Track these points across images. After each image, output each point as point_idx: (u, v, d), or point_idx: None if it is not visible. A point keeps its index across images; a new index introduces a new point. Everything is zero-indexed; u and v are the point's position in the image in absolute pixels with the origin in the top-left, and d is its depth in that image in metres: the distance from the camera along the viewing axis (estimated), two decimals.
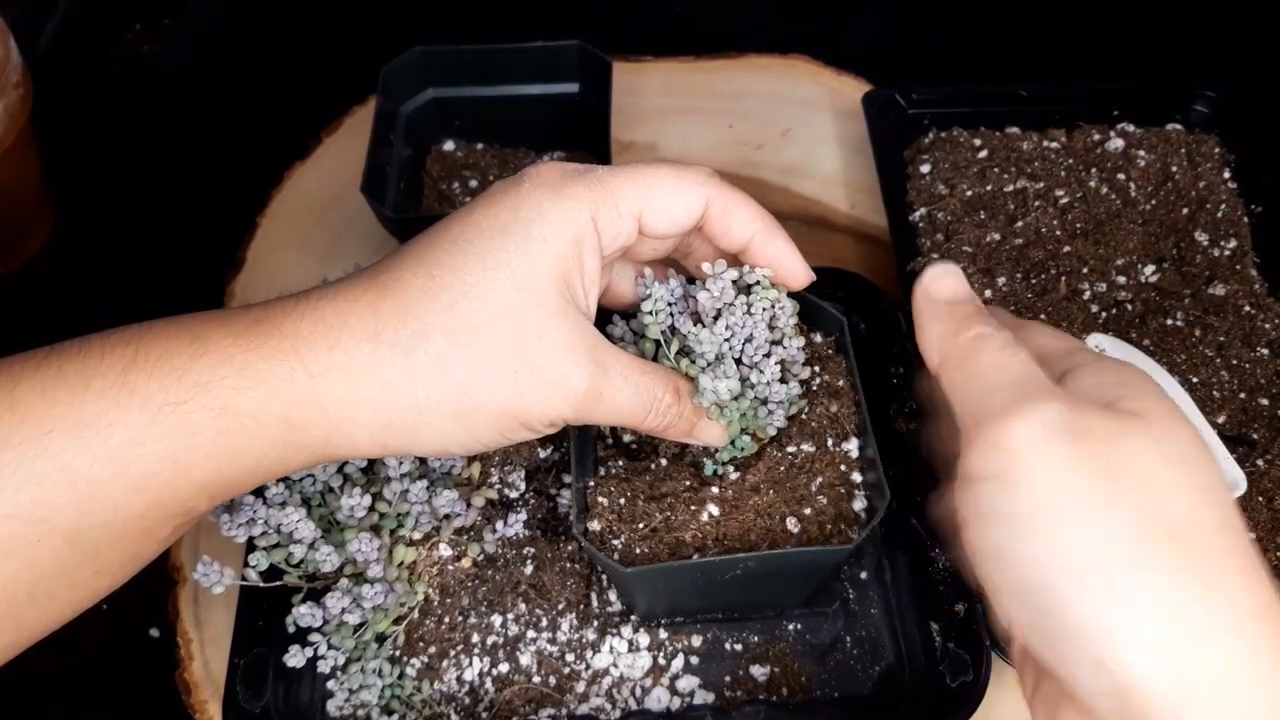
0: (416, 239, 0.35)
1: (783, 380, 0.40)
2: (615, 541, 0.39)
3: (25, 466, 0.29)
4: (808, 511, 0.39)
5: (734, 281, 0.38)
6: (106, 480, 0.30)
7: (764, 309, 0.38)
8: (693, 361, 0.38)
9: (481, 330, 0.33)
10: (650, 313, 0.38)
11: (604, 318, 0.41)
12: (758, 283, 0.38)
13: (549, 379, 0.34)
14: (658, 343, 0.39)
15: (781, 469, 0.40)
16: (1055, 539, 0.28)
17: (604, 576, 0.46)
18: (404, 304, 0.33)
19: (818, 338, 0.43)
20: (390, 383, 0.33)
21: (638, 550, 0.39)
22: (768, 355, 0.39)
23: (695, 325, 0.38)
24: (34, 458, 0.29)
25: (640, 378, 0.36)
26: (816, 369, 0.42)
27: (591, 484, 0.41)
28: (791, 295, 0.39)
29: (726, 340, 0.38)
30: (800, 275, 0.39)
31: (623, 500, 0.40)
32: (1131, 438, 0.28)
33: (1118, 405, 0.30)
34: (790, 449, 0.41)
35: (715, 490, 0.40)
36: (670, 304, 0.39)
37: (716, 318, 0.38)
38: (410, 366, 0.33)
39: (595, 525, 0.39)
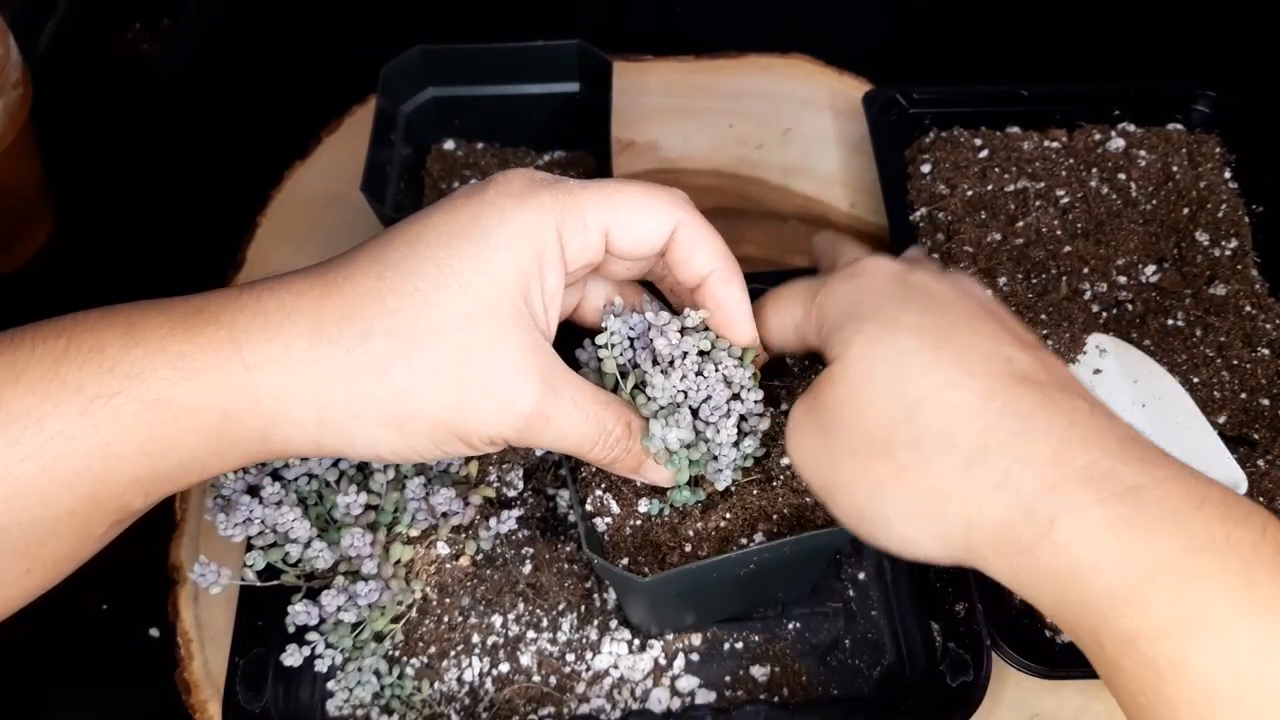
0: (374, 237, 0.34)
1: (741, 433, 0.38)
2: (623, 557, 0.38)
3: None
4: (808, 499, 0.39)
5: (680, 331, 0.37)
6: (36, 476, 0.29)
7: (714, 369, 0.37)
8: (649, 400, 0.37)
9: (428, 338, 0.32)
10: (605, 346, 0.37)
11: (576, 338, 0.40)
12: (702, 326, 0.37)
13: (495, 396, 0.33)
14: (616, 376, 0.38)
15: (775, 480, 0.40)
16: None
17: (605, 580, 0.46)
18: (351, 303, 0.32)
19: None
20: (327, 381, 0.32)
21: (644, 563, 0.38)
22: (727, 415, 0.37)
23: (653, 366, 0.37)
24: None
25: (592, 406, 0.35)
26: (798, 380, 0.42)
27: (590, 497, 0.40)
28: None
29: (683, 392, 0.36)
30: (744, 334, 0.38)
31: (630, 526, 0.39)
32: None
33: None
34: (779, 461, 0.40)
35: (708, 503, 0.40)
36: (631, 339, 0.37)
37: (672, 363, 0.36)
38: (349, 367, 0.32)
39: (600, 526, 0.39)
